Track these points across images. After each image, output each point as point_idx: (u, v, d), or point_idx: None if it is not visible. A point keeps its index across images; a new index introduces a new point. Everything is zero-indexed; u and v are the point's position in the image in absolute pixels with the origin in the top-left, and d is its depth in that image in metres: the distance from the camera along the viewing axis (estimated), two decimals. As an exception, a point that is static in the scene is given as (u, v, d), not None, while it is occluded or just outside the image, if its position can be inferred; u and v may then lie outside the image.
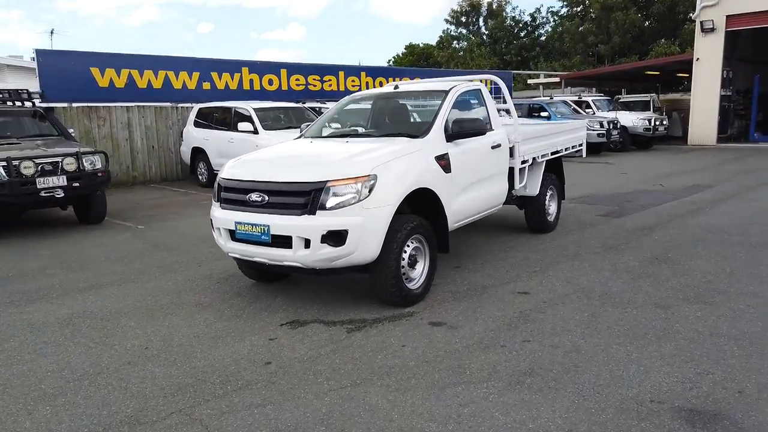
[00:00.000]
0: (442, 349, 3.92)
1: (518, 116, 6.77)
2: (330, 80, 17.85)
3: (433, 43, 52.10)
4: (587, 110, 20.67)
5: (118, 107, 13.82)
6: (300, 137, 6.03)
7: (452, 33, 52.01)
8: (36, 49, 12.69)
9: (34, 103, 10.04)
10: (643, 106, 21.80)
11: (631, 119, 19.97)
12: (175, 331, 4.43)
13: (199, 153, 13.30)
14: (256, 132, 11.71)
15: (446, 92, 5.61)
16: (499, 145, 5.98)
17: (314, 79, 17.44)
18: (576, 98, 21.90)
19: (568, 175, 8.28)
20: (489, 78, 6.70)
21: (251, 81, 16.15)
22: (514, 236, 7.18)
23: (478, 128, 5.35)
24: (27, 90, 10.13)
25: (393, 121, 5.88)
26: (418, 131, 5.23)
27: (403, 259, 4.65)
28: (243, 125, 11.76)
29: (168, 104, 14.72)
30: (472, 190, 5.57)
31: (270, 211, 4.47)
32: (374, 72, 19.09)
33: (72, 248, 7.48)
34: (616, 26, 38.88)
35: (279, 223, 4.39)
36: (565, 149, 7.59)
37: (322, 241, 4.26)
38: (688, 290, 4.94)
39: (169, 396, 3.40)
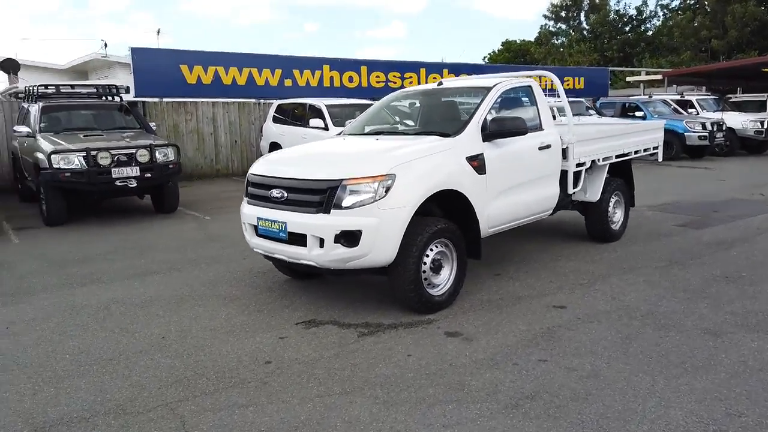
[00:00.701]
0: (449, 362, 3.69)
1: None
2: (411, 77, 17.72)
3: (532, 39, 50.51)
4: (690, 110, 19.09)
5: (204, 103, 14.50)
6: (339, 134, 5.96)
7: (551, 29, 50.11)
8: (131, 47, 13.59)
9: (121, 98, 10.73)
10: (758, 107, 19.79)
11: (740, 121, 18.18)
12: (196, 323, 4.50)
13: (276, 148, 13.62)
14: (326, 128, 11.81)
15: (488, 89, 5.31)
16: (548, 146, 5.59)
17: (394, 76, 17.39)
18: (678, 97, 20.30)
19: (656, 180, 7.69)
20: (544, 75, 6.28)
21: (331, 78, 16.36)
22: (571, 244, 6.71)
23: (519, 127, 5.01)
24: (115, 85, 10.84)
25: (431, 118, 5.67)
26: (452, 130, 4.98)
27: (425, 264, 4.44)
28: (314, 121, 11.92)
29: (251, 100, 15.24)
30: (512, 193, 5.24)
31: (288, 208, 4.43)
32: (457, 69, 18.73)
33: (139, 236, 7.89)
34: (733, 19, 35.67)
35: (295, 220, 4.34)
36: (635, 152, 6.98)
37: (335, 241, 4.16)
38: (750, 316, 4.35)
39: (163, 388, 3.44)
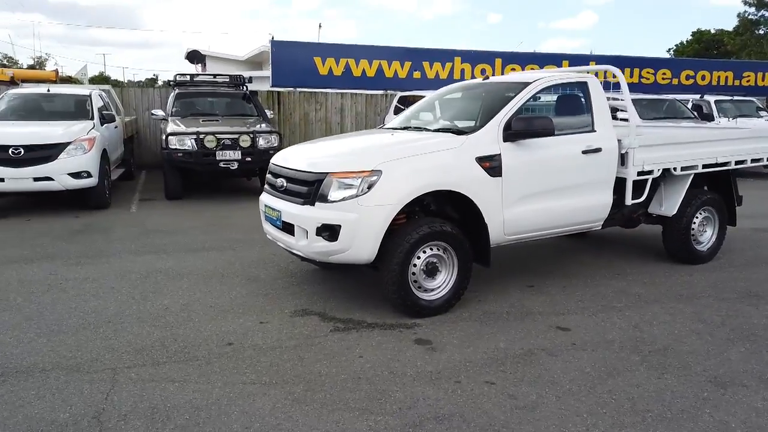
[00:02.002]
0: (392, 369, 3.54)
1: None
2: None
3: (730, 28, 44.60)
4: None
5: (334, 93, 15.16)
6: (381, 126, 5.91)
7: (751, 17, 43.77)
8: (271, 40, 14.65)
9: (246, 88, 11.66)
10: None
11: None
12: (204, 299, 4.82)
13: (394, 139, 13.85)
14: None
15: (525, 85, 4.89)
16: (598, 150, 4.99)
17: (531, 69, 16.57)
18: None
19: None
20: (608, 70, 5.58)
21: (462, 71, 16.10)
22: (641, 262, 5.94)
23: (545, 128, 4.55)
24: (242, 75, 11.81)
25: (459, 114, 5.36)
26: (471, 128, 4.68)
27: (414, 266, 4.27)
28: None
29: (379, 92, 15.60)
30: (542, 199, 4.78)
31: (285, 197, 4.54)
32: (606, 62, 17.28)
33: (229, 213, 8.57)
34: None
35: (287, 210, 4.44)
36: (735, 162, 5.93)
37: (317, 234, 4.17)
38: (792, 371, 3.52)
39: (125, 354, 3.75)
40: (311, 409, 3.08)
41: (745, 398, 3.18)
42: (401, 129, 5.40)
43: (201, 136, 9.21)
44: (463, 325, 4.23)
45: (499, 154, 4.53)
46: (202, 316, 4.44)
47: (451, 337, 4.03)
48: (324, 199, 4.17)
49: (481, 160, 4.46)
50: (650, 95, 15.24)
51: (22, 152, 7.97)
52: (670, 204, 5.68)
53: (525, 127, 4.55)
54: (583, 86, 5.17)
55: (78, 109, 9.50)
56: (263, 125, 10.17)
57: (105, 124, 9.55)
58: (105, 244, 6.67)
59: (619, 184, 5.28)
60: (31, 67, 39.17)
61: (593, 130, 5.07)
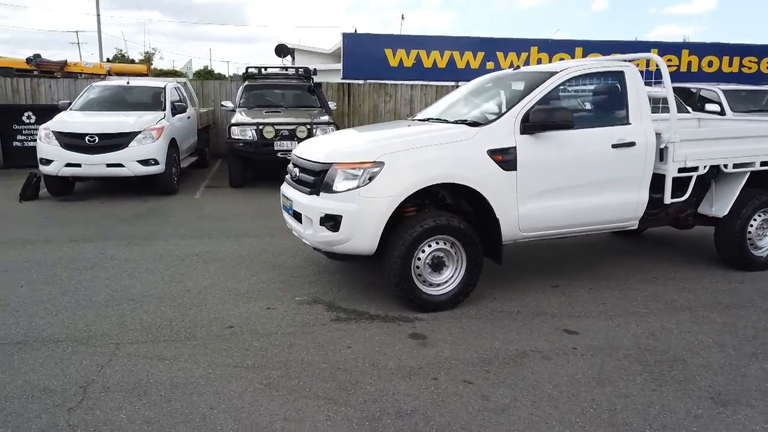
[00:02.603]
0: (374, 362, 3.52)
1: None
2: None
3: None
4: None
5: (403, 85, 15.14)
6: (411, 118, 5.84)
7: None
8: (342, 33, 14.84)
9: (312, 80, 11.91)
10: None
11: None
12: (224, 282, 5.01)
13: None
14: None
15: (551, 74, 4.65)
16: (631, 144, 4.67)
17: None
18: None
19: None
20: (650, 58, 5.15)
21: (539, 60, 15.51)
22: (687, 266, 5.50)
23: (565, 119, 4.31)
24: (307, 68, 12.07)
25: (484, 106, 5.17)
26: (487, 119, 4.53)
27: (419, 259, 4.21)
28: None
29: (449, 83, 15.38)
30: (563, 195, 4.55)
31: (297, 187, 4.61)
32: (698, 49, 16.04)
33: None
34: None
35: (297, 199, 4.51)
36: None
37: (321, 224, 4.22)
38: (816, 393, 3.14)
39: (132, 331, 3.98)
40: (279, 395, 3.13)
41: (744, 419, 2.88)
42: (425, 120, 5.32)
43: (260, 127, 9.54)
44: (466, 322, 4.13)
45: (515, 147, 4.35)
46: (217, 299, 4.62)
47: (448, 333, 3.94)
48: (329, 189, 4.21)
49: (493, 153, 4.30)
50: (749, 86, 13.97)
51: (97, 140, 8.63)
52: (721, 204, 5.20)
53: (543, 119, 4.35)
54: (618, 76, 4.84)
55: (153, 101, 10.13)
56: (323, 117, 10.35)
57: (177, 115, 10.12)
58: (159, 228, 7.09)
59: (660, 180, 4.91)
60: (141, 62, 42.05)
61: (628, 123, 4.75)
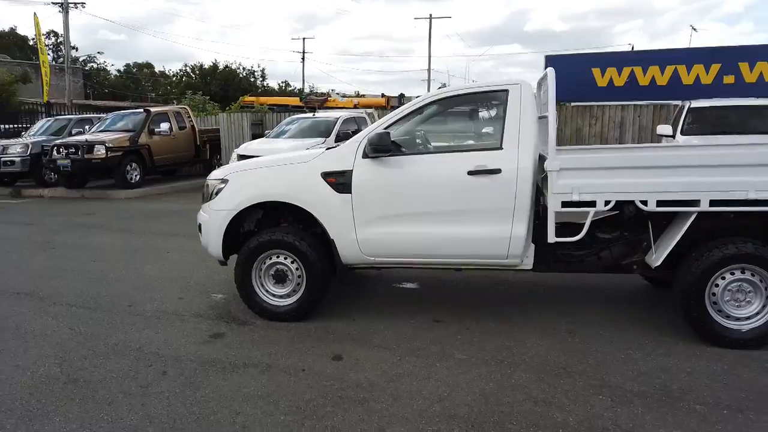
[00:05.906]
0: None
1: None
2: None
3: None
4: None
5: (612, 106, 13.78)
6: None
7: None
8: (546, 55, 14.35)
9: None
10: None
11: None
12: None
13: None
14: (672, 136, 9.69)
15: (416, 99, 4.47)
16: (495, 171, 4.13)
17: None
18: None
19: None
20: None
21: (798, 70, 12.21)
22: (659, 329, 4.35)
23: (381, 143, 4.16)
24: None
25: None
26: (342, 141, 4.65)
27: (260, 270, 4.66)
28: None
29: (673, 102, 13.35)
30: (410, 222, 4.32)
31: None
32: None
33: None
34: None
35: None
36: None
37: (198, 230, 5.03)
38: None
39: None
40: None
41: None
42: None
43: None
44: (270, 332, 4.41)
45: (350, 171, 4.40)
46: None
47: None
48: (208, 200, 4.99)
49: (327, 175, 4.45)
50: None
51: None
52: (658, 252, 4.04)
53: (375, 143, 4.27)
54: (500, 96, 4.31)
55: (326, 129, 11.98)
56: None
57: (339, 141, 11.75)
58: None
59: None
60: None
61: (499, 148, 4.21)
